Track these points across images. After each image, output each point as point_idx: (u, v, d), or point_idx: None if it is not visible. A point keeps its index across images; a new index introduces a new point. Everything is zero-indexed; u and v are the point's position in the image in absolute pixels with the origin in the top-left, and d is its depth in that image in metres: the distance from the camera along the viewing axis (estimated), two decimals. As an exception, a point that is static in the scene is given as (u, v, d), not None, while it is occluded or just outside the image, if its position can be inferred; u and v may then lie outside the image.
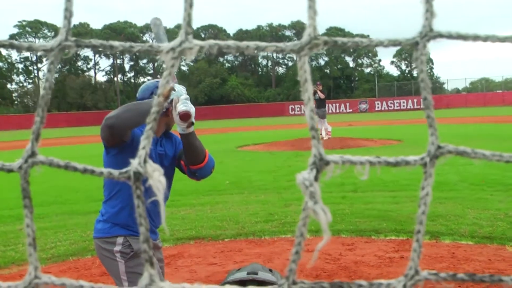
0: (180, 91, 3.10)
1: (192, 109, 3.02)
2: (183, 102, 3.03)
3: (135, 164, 0.44)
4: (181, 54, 0.44)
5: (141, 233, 0.46)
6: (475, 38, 0.42)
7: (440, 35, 0.43)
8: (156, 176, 0.43)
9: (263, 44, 0.44)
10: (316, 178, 0.44)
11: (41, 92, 0.44)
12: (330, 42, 0.43)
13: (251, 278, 1.63)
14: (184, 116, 3.02)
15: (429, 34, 0.43)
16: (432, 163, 0.43)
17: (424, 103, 0.44)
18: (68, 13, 0.44)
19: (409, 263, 0.43)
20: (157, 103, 0.44)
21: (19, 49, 0.45)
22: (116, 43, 0.45)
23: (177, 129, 3.19)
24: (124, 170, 0.45)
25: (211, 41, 0.43)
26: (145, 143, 0.43)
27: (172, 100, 3.07)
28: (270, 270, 1.75)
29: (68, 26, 0.44)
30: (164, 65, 0.43)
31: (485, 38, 0.43)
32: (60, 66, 78.30)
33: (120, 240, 3.10)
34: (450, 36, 0.43)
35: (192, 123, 3.06)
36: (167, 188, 3.21)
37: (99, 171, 0.44)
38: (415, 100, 59.88)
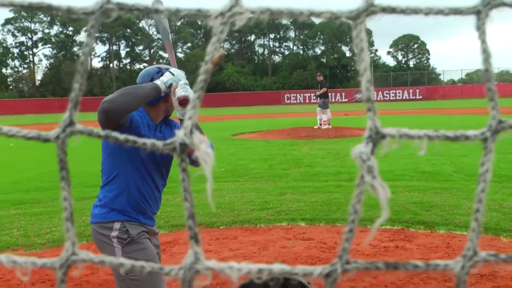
0: (179, 76, 3.08)
1: (191, 94, 3.00)
2: (182, 87, 3.01)
3: (180, 135, 0.42)
4: (231, 19, 0.42)
5: (185, 209, 0.44)
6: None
7: (504, 4, 0.41)
8: (203, 148, 0.41)
9: (317, 10, 0.42)
10: (372, 152, 0.42)
11: (81, 58, 0.42)
12: (388, 9, 0.41)
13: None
14: (183, 101, 3.00)
15: (492, 2, 0.41)
16: (493, 138, 0.41)
17: (485, 75, 0.42)
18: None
19: (467, 243, 0.41)
20: (205, 70, 0.42)
21: (57, 11, 0.43)
22: (161, 6, 0.43)
23: (177, 114, 3.16)
24: (169, 141, 0.43)
25: (263, 7, 0.41)
26: (192, 113, 0.41)
27: (171, 85, 3.04)
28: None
29: (111, -13, 0.42)
30: (213, 31, 0.41)
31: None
32: (56, 51, 77.69)
33: (117, 225, 3.09)
34: (515, 5, 0.41)
35: None
36: (165, 175, 3.19)
37: (142, 142, 0.42)
38: (410, 91, 59.93)
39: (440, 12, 0.42)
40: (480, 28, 0.42)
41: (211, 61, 0.43)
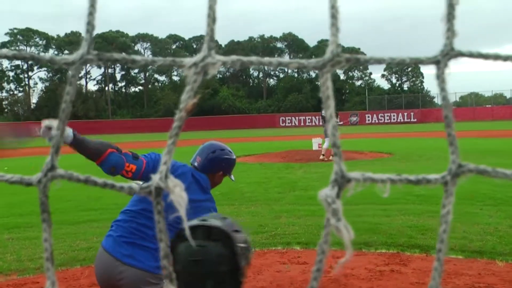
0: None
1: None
2: None
3: (156, 179, 0.43)
4: (204, 69, 0.44)
5: (161, 249, 0.45)
6: (496, 57, 0.43)
7: (461, 54, 0.43)
8: (177, 191, 0.43)
9: (285, 60, 0.44)
10: (338, 195, 0.44)
11: (62, 105, 0.43)
12: (353, 59, 0.43)
13: (201, 224, 1.71)
14: None
15: (450, 53, 0.43)
16: (453, 181, 0.43)
17: (445, 121, 0.44)
18: (90, 27, 0.43)
19: (430, 282, 0.42)
20: (179, 118, 0.44)
21: (39, 61, 0.45)
22: (138, 57, 0.45)
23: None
24: (145, 185, 0.45)
25: (234, 57, 0.43)
26: (166, 158, 0.43)
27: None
28: (224, 218, 1.78)
29: (90, 40, 0.44)
30: (186, 80, 0.43)
31: (506, 58, 0.43)
32: (51, 74, 77.96)
33: (161, 277, 3.38)
34: (471, 55, 0.43)
35: None
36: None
37: (119, 186, 0.44)
38: (405, 114, 60.35)
39: (402, 62, 0.44)
40: (440, 77, 0.44)
41: (185, 109, 0.45)
